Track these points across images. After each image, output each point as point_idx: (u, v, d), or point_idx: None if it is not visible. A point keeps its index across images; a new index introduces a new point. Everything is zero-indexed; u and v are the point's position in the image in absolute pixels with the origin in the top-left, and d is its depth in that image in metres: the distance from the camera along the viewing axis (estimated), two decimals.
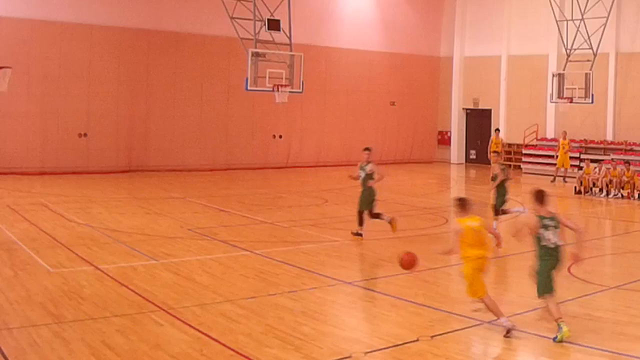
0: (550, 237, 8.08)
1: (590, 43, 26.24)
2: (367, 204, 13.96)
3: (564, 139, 26.13)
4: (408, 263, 9.05)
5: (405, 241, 14.39)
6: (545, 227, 8.08)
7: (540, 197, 8.29)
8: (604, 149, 28.03)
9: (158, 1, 26.10)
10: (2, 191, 19.52)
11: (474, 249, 8.15)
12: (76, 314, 8.53)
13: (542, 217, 8.14)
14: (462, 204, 8.41)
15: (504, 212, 14.29)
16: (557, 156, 26.02)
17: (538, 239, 8.10)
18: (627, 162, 22.48)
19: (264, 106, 27.04)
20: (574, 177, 23.78)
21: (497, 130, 28.32)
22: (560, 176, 25.75)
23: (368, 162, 14.06)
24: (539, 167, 27.70)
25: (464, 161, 34.09)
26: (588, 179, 22.31)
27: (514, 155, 30.70)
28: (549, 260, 8.16)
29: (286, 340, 7.74)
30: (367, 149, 14.27)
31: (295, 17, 22.79)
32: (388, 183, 18.56)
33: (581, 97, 26.49)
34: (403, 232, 15.14)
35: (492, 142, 27.07)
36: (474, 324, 8.42)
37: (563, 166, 25.81)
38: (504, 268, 12.37)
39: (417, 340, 7.78)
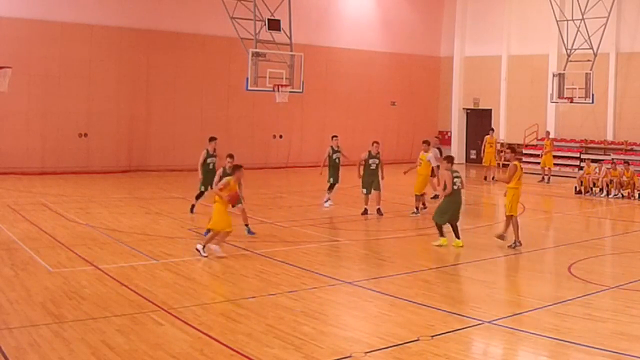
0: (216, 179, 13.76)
1: (591, 43, 26.24)
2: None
3: (547, 139, 26.24)
4: (233, 199, 12.20)
5: (406, 241, 14.41)
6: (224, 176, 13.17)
7: (238, 168, 12.60)
8: (604, 149, 28.04)
9: (158, 1, 26.10)
10: (2, 191, 19.52)
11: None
12: (76, 313, 8.53)
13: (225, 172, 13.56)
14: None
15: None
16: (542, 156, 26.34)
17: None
18: (627, 162, 22.48)
19: (264, 106, 27.02)
20: (574, 177, 23.80)
21: (492, 129, 28.17)
22: (546, 175, 25.93)
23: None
24: (539, 167, 27.68)
25: (464, 161, 34.08)
26: (588, 179, 22.32)
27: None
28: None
29: (286, 340, 7.74)
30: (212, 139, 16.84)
31: (295, 17, 22.79)
32: (388, 182, 18.57)
33: (581, 97, 26.51)
34: (403, 231, 15.16)
35: (486, 142, 26.95)
36: (474, 324, 8.43)
37: (545, 166, 25.97)
38: (504, 268, 12.37)
39: (418, 340, 7.78)
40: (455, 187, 13.28)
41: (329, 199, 18.21)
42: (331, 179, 18.18)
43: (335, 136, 18.65)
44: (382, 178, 17.07)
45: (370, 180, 17.00)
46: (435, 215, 13.43)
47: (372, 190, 16.96)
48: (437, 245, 13.29)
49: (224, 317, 8.57)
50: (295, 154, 29.99)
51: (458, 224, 13.39)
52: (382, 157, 17.25)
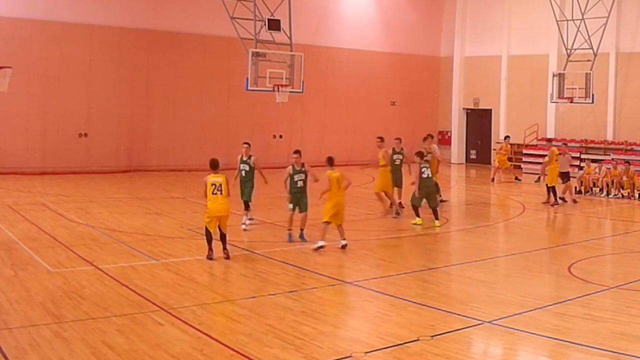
0: None
1: (591, 43, 26.24)
2: None
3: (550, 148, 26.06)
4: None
5: (406, 241, 14.42)
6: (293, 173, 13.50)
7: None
8: (604, 149, 28.03)
9: (158, 1, 26.10)
10: (2, 191, 19.52)
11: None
12: (76, 313, 8.53)
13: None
14: None
15: None
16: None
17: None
18: (627, 162, 22.47)
19: (264, 106, 27.02)
20: (574, 177, 23.79)
21: (508, 137, 27.37)
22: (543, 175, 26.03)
23: None
24: (539, 167, 27.67)
25: (464, 161, 34.08)
26: (588, 179, 22.30)
27: (514, 155, 30.67)
28: None
29: (286, 340, 7.74)
30: None
31: (295, 17, 22.77)
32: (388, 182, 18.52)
33: (581, 97, 26.49)
34: (403, 232, 15.16)
35: (501, 149, 26.60)
36: (474, 324, 8.43)
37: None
38: (504, 268, 12.37)
39: (418, 340, 7.78)
40: (425, 176, 15.58)
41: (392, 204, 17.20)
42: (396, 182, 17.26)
43: (396, 139, 17.94)
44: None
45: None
46: (412, 199, 15.79)
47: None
48: (414, 224, 15.52)
49: (224, 317, 8.57)
50: None
51: (438, 208, 16.00)
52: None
